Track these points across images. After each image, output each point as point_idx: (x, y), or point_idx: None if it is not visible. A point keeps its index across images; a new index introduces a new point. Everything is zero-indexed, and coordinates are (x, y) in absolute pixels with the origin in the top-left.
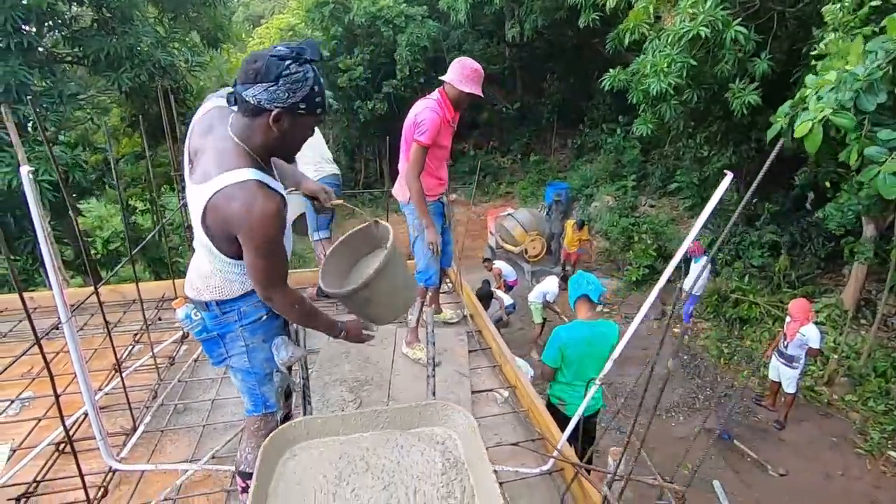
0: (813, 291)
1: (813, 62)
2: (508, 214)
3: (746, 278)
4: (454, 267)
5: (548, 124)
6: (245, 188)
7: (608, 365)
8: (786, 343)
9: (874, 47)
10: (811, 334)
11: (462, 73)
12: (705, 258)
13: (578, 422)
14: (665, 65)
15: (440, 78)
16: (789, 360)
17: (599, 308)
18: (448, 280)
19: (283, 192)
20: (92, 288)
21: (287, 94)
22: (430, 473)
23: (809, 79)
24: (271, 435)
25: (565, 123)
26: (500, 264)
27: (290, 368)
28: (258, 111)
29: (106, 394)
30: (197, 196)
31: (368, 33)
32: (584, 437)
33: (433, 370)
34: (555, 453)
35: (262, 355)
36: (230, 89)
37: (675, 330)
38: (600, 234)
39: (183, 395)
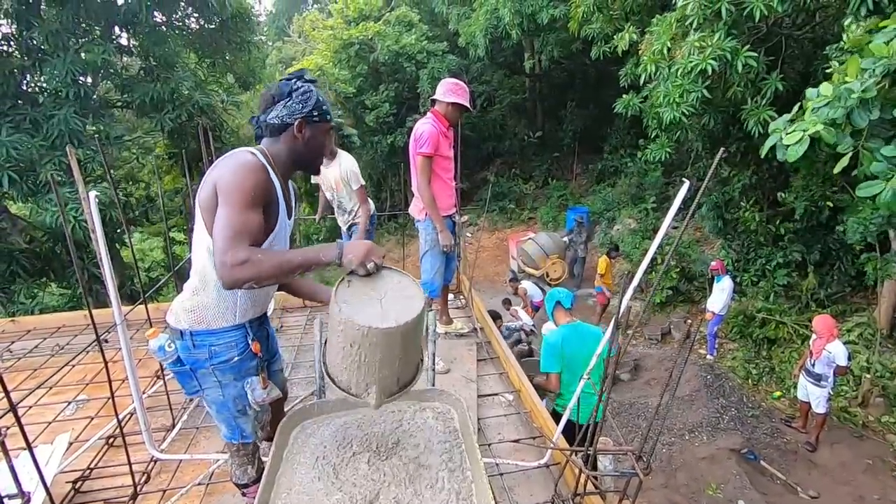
0: (844, 310)
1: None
2: (529, 239)
3: (772, 298)
4: (466, 283)
5: (568, 150)
6: (239, 151)
7: (593, 360)
8: (812, 361)
9: (869, 65)
10: (837, 351)
11: (445, 88)
12: (727, 278)
13: (576, 422)
14: (677, 95)
15: (431, 98)
16: (817, 379)
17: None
18: (462, 296)
19: (281, 199)
20: (140, 305)
21: (301, 105)
22: (434, 434)
23: (810, 92)
24: (288, 413)
25: (586, 149)
26: (526, 284)
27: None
28: (282, 128)
29: (149, 396)
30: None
31: (392, 70)
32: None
33: (433, 364)
34: (550, 445)
35: (235, 392)
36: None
37: (701, 351)
38: (623, 256)
39: None
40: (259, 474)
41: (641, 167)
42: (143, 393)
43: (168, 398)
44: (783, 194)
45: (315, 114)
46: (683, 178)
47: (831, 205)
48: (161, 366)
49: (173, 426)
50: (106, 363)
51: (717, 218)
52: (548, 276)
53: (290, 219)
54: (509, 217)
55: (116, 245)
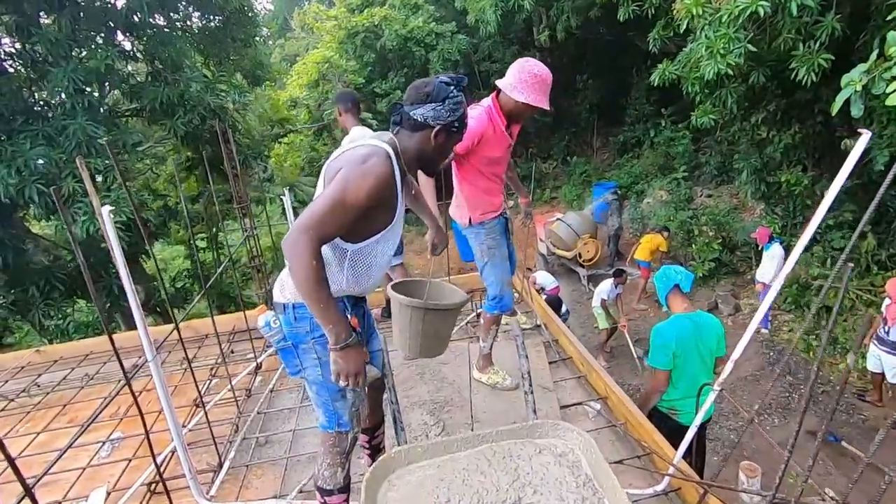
0: None
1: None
2: (557, 219)
3: (828, 263)
4: (518, 274)
5: (587, 125)
6: (374, 149)
7: (729, 366)
8: (887, 328)
9: None
10: None
11: (519, 79)
12: (777, 245)
13: (695, 433)
14: (721, 45)
15: (495, 81)
16: (893, 347)
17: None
18: (515, 289)
19: (400, 193)
20: (171, 326)
21: (449, 114)
22: (563, 487)
23: (893, 35)
24: (372, 467)
25: (605, 122)
26: (536, 274)
27: (367, 387)
28: (422, 127)
29: (190, 430)
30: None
31: (400, 56)
32: (697, 450)
33: (530, 386)
34: (670, 470)
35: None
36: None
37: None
38: (655, 230)
39: (263, 427)
40: (347, 484)
41: (667, 136)
42: (184, 426)
43: (211, 430)
44: (849, 141)
45: (456, 125)
46: (715, 142)
47: None
48: (199, 391)
49: (220, 465)
50: (138, 406)
51: (760, 182)
52: (580, 256)
53: (403, 207)
54: (531, 199)
55: (140, 258)
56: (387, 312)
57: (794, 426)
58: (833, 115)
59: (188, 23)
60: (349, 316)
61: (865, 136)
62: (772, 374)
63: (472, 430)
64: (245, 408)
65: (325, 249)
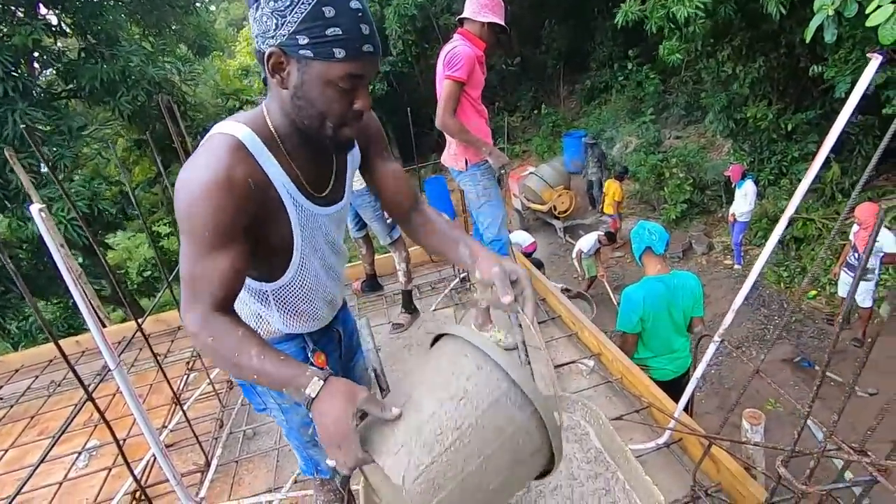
0: (871, 196)
1: None
2: (530, 173)
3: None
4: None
5: (553, 73)
6: (209, 143)
7: (729, 316)
8: (856, 254)
9: None
10: (886, 239)
11: (479, 3)
12: (749, 182)
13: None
14: None
15: (457, 18)
16: (863, 273)
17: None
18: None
19: (284, 193)
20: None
21: (275, 21)
22: (575, 466)
23: None
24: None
25: (571, 70)
26: (511, 235)
27: None
28: (264, 65)
29: (171, 431)
30: None
31: None
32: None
33: (526, 355)
34: (671, 424)
35: (298, 419)
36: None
37: (728, 262)
38: (629, 176)
39: (249, 419)
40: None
41: (634, 78)
42: (165, 426)
43: (192, 430)
44: (817, 67)
45: (302, 41)
46: (681, 83)
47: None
48: (174, 391)
49: (207, 464)
50: (105, 420)
51: (728, 119)
52: (556, 209)
53: (333, 208)
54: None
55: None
56: (367, 286)
57: (772, 355)
58: (807, 42)
59: None
60: (310, 356)
61: (876, 61)
62: (748, 309)
63: None
64: (228, 400)
65: (242, 294)
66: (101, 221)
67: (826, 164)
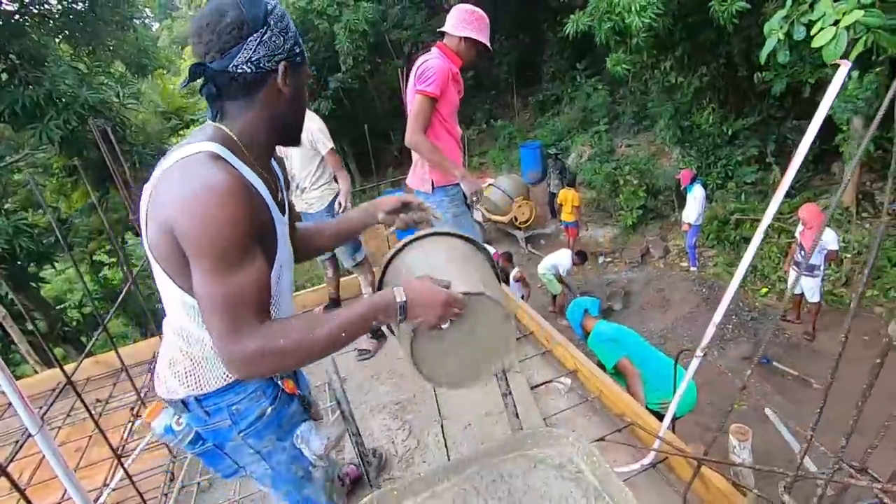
0: (809, 197)
1: None
2: (489, 185)
3: (742, 197)
4: None
5: (506, 86)
6: (193, 160)
7: (710, 329)
8: (803, 252)
9: None
10: (828, 237)
11: (458, 17)
12: (698, 186)
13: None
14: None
15: (438, 30)
16: (810, 270)
17: (602, 259)
18: None
19: (270, 200)
20: (70, 367)
21: (283, 39)
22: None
23: None
24: None
25: (524, 82)
26: None
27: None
28: (260, 78)
29: (114, 490)
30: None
31: (303, 30)
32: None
33: (507, 387)
34: (656, 444)
35: (285, 456)
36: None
37: (683, 264)
38: (583, 184)
39: (204, 471)
40: None
41: (584, 90)
42: (106, 485)
43: (136, 488)
44: (760, 75)
45: (297, 50)
46: (630, 92)
47: (812, 81)
48: (112, 448)
49: None
50: (19, 489)
51: (675, 127)
52: (516, 220)
53: (284, 216)
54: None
55: (32, 284)
56: (332, 307)
57: (732, 354)
58: (762, 63)
59: (45, 6)
60: (280, 383)
61: (844, 68)
62: (705, 310)
63: (441, 426)
64: (179, 450)
65: (195, 330)
66: (33, 254)
67: (768, 168)
